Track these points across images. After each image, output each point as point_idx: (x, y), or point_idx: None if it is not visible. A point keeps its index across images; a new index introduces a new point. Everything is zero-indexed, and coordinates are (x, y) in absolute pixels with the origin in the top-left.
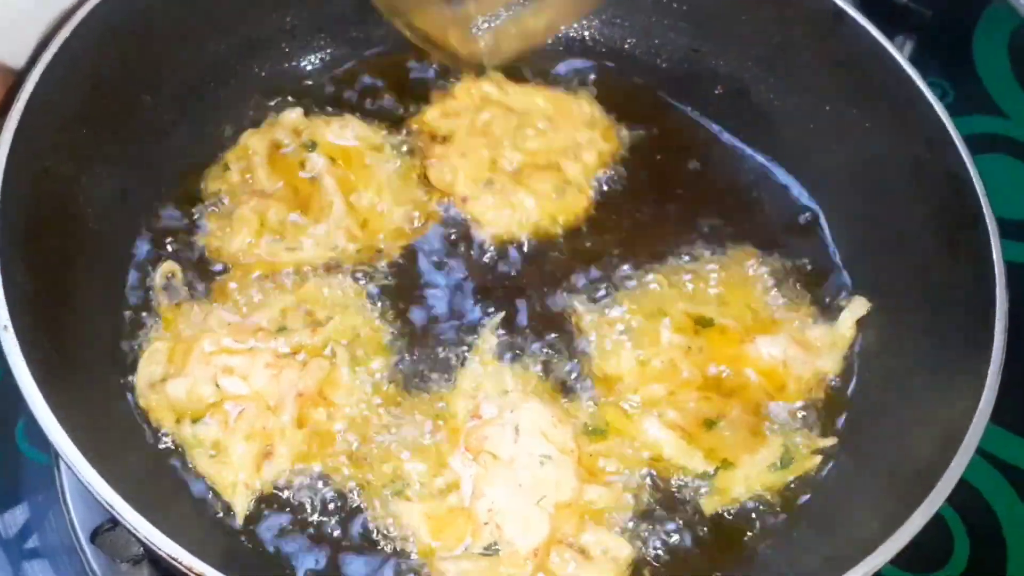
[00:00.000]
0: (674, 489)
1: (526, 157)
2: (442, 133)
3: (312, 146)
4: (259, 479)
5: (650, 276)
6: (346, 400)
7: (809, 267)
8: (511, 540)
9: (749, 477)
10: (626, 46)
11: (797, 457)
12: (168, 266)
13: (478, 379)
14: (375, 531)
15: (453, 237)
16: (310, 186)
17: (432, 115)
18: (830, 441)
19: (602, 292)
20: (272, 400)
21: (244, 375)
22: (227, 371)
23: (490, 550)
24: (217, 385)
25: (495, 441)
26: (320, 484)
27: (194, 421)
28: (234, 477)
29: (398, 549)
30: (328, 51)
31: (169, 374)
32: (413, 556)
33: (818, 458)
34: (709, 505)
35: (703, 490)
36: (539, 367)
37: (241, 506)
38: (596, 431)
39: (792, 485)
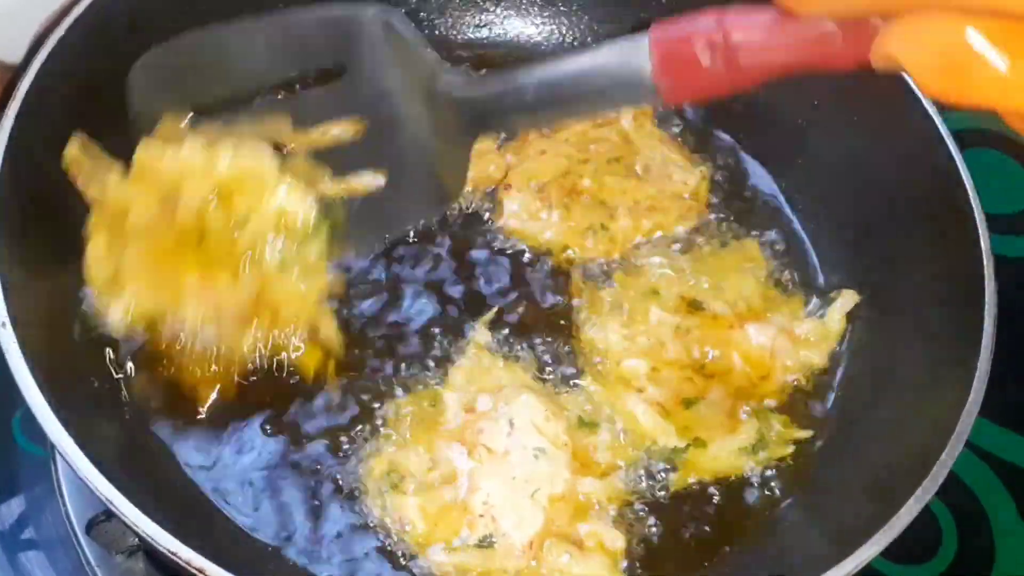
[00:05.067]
0: (660, 470)
1: (595, 185)
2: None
3: None
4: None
5: (642, 262)
6: None
7: (799, 261)
8: (506, 533)
9: (718, 458)
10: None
11: (769, 444)
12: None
13: (472, 373)
14: (371, 525)
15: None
16: None
17: None
18: (806, 433)
19: (597, 269)
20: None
21: None
22: None
23: (485, 543)
24: None
25: (489, 435)
26: (316, 478)
27: None
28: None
29: (394, 542)
30: None
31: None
32: (409, 549)
33: (790, 448)
34: (675, 482)
35: (672, 468)
36: (533, 361)
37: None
38: (589, 424)
39: (782, 478)
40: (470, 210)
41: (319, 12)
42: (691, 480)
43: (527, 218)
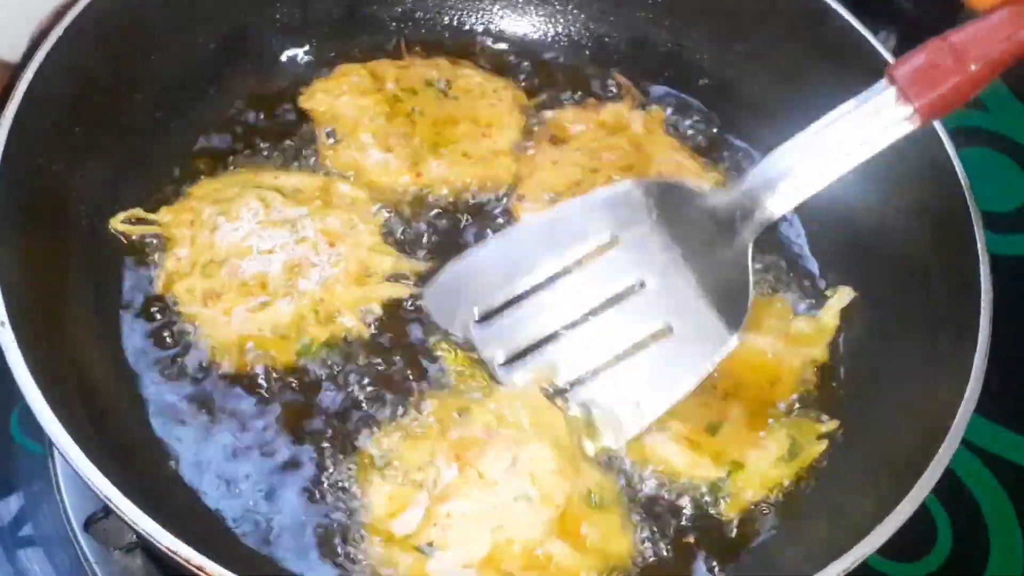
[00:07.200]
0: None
1: None
2: (562, 136)
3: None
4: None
5: None
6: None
7: (795, 258)
8: (447, 549)
9: (761, 474)
10: (609, 40)
11: (804, 445)
12: None
13: (513, 403)
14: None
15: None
16: None
17: (565, 116)
18: (833, 424)
19: None
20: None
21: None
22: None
23: (424, 549)
24: None
25: (488, 461)
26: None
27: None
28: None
29: (353, 514)
30: (316, 47)
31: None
32: (360, 526)
33: (824, 443)
34: (730, 509)
35: (720, 497)
36: (577, 412)
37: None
38: (596, 506)
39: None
40: (485, 220)
41: (589, 200)
42: (750, 504)
43: None
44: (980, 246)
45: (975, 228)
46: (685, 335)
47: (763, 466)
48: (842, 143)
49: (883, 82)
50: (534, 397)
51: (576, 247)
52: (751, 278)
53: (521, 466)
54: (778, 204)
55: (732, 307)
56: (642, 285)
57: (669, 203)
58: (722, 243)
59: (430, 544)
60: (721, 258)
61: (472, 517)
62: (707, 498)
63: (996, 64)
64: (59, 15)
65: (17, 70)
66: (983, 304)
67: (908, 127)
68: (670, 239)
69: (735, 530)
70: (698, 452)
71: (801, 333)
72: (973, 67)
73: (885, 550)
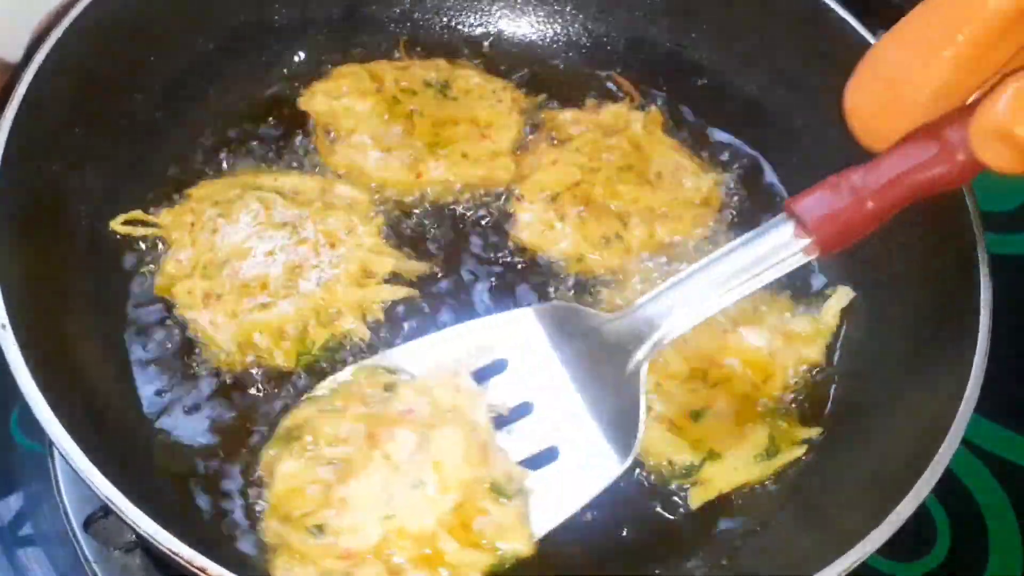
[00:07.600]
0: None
1: (607, 195)
2: (561, 136)
3: None
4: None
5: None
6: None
7: None
8: (336, 534)
9: (735, 468)
10: (608, 40)
11: (783, 447)
12: None
13: (437, 382)
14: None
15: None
16: None
17: (565, 116)
18: (815, 431)
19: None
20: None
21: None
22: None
23: (314, 531)
24: None
25: (397, 444)
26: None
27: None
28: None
29: (254, 496)
30: (316, 48)
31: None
32: (261, 503)
33: (803, 448)
34: (695, 498)
35: (687, 484)
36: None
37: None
38: (499, 491)
39: (778, 474)
40: (484, 220)
41: (483, 323)
42: (713, 496)
43: (541, 229)
44: (980, 246)
45: (975, 228)
46: (571, 459)
47: (739, 461)
48: (741, 272)
49: (782, 215)
50: (461, 380)
51: (465, 367)
52: (643, 403)
53: (427, 449)
54: (673, 329)
55: (622, 432)
56: (530, 408)
57: (562, 326)
58: (614, 368)
59: (319, 527)
60: (613, 383)
61: (366, 502)
62: (672, 484)
63: (892, 203)
64: (59, 15)
65: (17, 70)
66: (983, 304)
67: (806, 258)
68: (560, 362)
69: (734, 527)
70: (679, 435)
71: (800, 332)
72: (870, 205)
73: (885, 550)
